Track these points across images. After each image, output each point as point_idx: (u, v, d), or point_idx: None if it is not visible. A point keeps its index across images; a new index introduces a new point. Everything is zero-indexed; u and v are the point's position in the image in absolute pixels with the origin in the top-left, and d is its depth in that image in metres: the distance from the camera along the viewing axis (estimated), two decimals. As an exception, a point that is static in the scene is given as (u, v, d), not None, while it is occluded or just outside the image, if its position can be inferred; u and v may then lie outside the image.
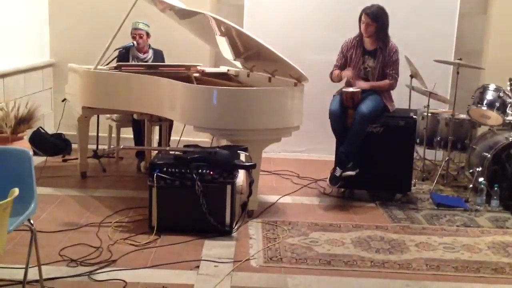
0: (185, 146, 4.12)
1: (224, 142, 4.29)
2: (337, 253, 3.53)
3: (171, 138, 5.23)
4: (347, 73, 4.49)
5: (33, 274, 2.84)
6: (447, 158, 5.05)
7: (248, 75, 4.96)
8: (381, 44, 4.48)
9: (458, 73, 4.91)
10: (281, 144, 4.39)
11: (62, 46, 5.91)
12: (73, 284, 2.97)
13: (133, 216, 3.98)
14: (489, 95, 4.80)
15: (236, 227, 3.81)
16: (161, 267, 3.23)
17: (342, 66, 4.61)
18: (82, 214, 4.01)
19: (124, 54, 5.11)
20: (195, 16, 4.47)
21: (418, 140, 5.09)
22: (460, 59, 4.95)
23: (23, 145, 4.57)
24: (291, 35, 5.73)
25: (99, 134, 5.45)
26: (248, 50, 4.63)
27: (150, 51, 5.20)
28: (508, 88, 4.72)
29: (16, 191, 2.20)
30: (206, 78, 4.93)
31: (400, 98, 4.84)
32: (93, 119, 5.05)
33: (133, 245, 3.50)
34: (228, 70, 5.31)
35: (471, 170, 4.82)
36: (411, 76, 5.20)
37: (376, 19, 4.39)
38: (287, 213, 4.23)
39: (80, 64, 4.85)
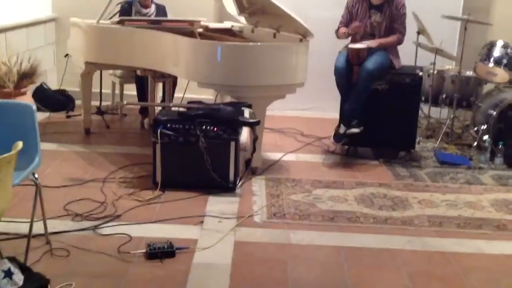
0: (189, 102, 4.10)
1: (228, 99, 4.27)
2: (340, 210, 3.55)
3: (175, 95, 5.20)
4: (354, 27, 4.41)
5: (38, 228, 2.87)
6: (452, 116, 5.02)
7: (252, 31, 4.89)
8: (387, -1, 4.39)
9: (465, 29, 4.83)
10: (285, 102, 4.36)
11: (65, 0, 5.82)
12: (78, 238, 3.01)
13: (137, 172, 3.99)
14: (497, 52, 4.74)
15: (239, 184, 3.82)
16: (165, 222, 3.27)
17: (347, 22, 4.53)
18: (87, 169, 4.03)
19: (127, 9, 5.03)
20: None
21: (423, 98, 5.05)
22: (469, 15, 4.85)
23: (27, 100, 4.54)
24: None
25: (103, 91, 5.43)
26: (253, 5, 4.55)
27: (153, 6, 5.12)
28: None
29: (20, 144, 2.20)
30: (210, 34, 4.87)
31: (406, 55, 4.77)
32: (96, 75, 5.02)
33: (137, 200, 3.53)
34: (232, 25, 5.23)
35: (476, 128, 4.80)
36: (418, 33, 5.12)
37: None
38: (290, 171, 4.24)
39: (82, 19, 4.78)
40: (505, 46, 4.71)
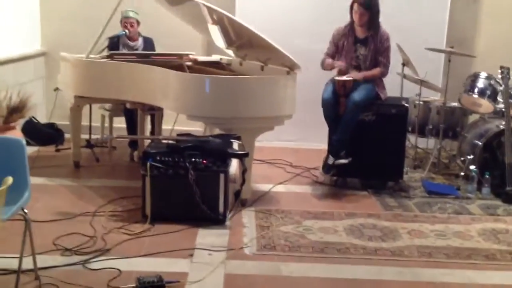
0: (178, 135, 4.12)
1: (217, 131, 4.30)
2: (330, 241, 3.56)
3: (164, 127, 5.22)
4: (340, 63, 4.50)
5: (27, 263, 2.84)
6: (438, 146, 5.09)
7: (240, 64, 4.96)
8: (372, 32, 4.48)
9: (449, 61, 4.93)
10: (274, 133, 4.40)
11: (54, 35, 5.88)
12: (68, 273, 2.98)
13: (126, 205, 3.98)
14: (480, 83, 4.84)
15: (229, 216, 3.83)
16: (155, 255, 3.25)
17: (333, 54, 4.61)
18: (76, 203, 4.01)
19: (115, 42, 5.09)
20: (187, 3, 4.45)
21: (410, 128, 5.12)
22: (452, 47, 4.96)
23: (16, 134, 4.53)
24: (283, 24, 5.72)
25: (92, 124, 5.44)
26: (241, 38, 4.63)
27: (140, 39, 5.19)
28: (499, 76, 4.74)
29: (10, 180, 2.20)
30: (199, 67, 4.93)
31: (392, 86, 4.85)
32: (86, 108, 5.03)
33: (127, 234, 3.51)
34: (220, 58, 5.30)
35: (462, 158, 4.86)
36: (403, 64, 5.22)
37: (369, 8, 4.38)
38: (280, 202, 4.25)
39: (71, 53, 4.82)
40: (489, 78, 4.81)
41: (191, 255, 3.27)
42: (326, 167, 4.45)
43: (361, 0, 4.38)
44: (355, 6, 4.40)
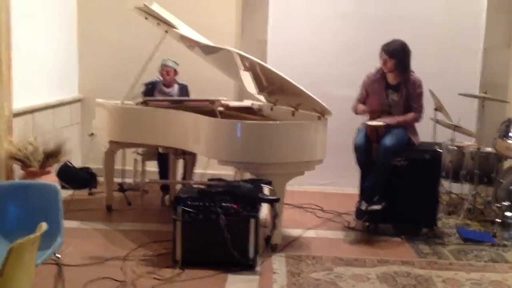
0: (209, 179, 4.15)
1: (247, 176, 4.31)
2: (362, 289, 3.49)
3: (196, 171, 5.27)
4: (373, 109, 4.51)
5: (58, 307, 2.86)
6: (473, 192, 4.99)
7: (271, 109, 5.01)
8: (403, 78, 4.49)
9: (483, 106, 4.88)
10: (304, 177, 4.38)
11: (90, 82, 6.06)
12: (97, 318, 2.98)
13: (157, 249, 3.99)
14: (516, 128, 4.76)
15: (259, 261, 3.79)
16: (185, 301, 3.24)
17: (364, 100, 4.63)
18: (107, 247, 4.04)
19: (150, 89, 5.21)
20: (220, 51, 4.55)
21: (444, 174, 5.04)
22: (485, 92, 4.92)
23: (51, 179, 4.64)
24: (314, 70, 5.79)
25: (125, 167, 5.52)
26: (272, 84, 4.68)
27: (176, 86, 5.30)
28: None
29: (44, 226, 2.24)
30: (230, 112, 4.99)
31: (424, 132, 4.82)
32: (119, 152, 5.13)
33: (157, 279, 3.50)
34: (252, 103, 5.36)
35: (498, 204, 4.75)
36: (436, 109, 5.18)
37: (393, 55, 4.41)
38: (311, 247, 4.20)
39: (107, 99, 4.95)
40: (524, 122, 4.74)
41: (221, 302, 3.24)
42: (359, 213, 4.40)
43: (386, 47, 4.43)
44: (381, 52, 4.45)
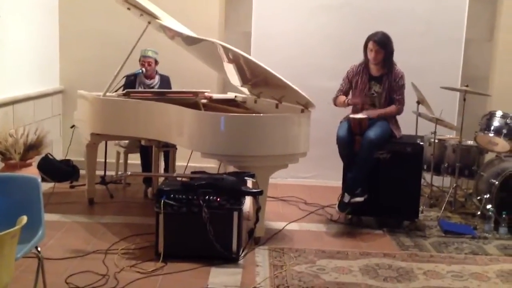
0: (192, 172, 4.14)
1: (231, 168, 4.30)
2: (344, 281, 3.50)
3: (179, 164, 5.24)
4: (355, 101, 4.53)
5: (39, 301, 2.83)
6: (454, 185, 5.03)
7: (255, 101, 5.00)
8: (386, 70, 4.51)
9: (464, 99, 4.93)
10: (288, 170, 4.40)
11: (72, 73, 5.98)
12: (79, 312, 2.97)
13: (140, 242, 3.97)
14: (496, 122, 4.82)
15: (242, 254, 3.79)
16: (167, 294, 3.22)
17: (346, 91, 4.65)
18: (89, 240, 4.01)
19: (132, 80, 5.17)
20: (203, 43, 4.53)
21: (425, 167, 5.08)
22: (467, 86, 4.96)
23: (32, 171, 4.58)
24: (297, 62, 5.78)
25: (107, 160, 5.48)
26: (256, 76, 4.67)
27: (157, 77, 5.26)
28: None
29: (24, 219, 2.21)
30: (214, 105, 4.97)
31: (406, 125, 4.84)
32: (101, 145, 5.08)
33: (139, 272, 3.49)
34: (235, 96, 5.35)
35: (479, 197, 4.80)
36: (418, 103, 5.20)
37: (384, 46, 4.43)
38: (294, 240, 4.22)
39: (89, 91, 4.90)
40: (504, 116, 4.80)
41: (204, 295, 3.24)
42: (342, 205, 4.42)
43: (376, 38, 4.43)
44: (370, 44, 4.44)
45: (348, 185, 4.43)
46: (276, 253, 3.91)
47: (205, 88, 5.14)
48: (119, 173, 5.51)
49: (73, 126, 5.24)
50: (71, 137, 5.31)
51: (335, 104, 4.68)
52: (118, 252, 3.79)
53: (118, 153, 5.54)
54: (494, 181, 4.61)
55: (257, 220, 3.81)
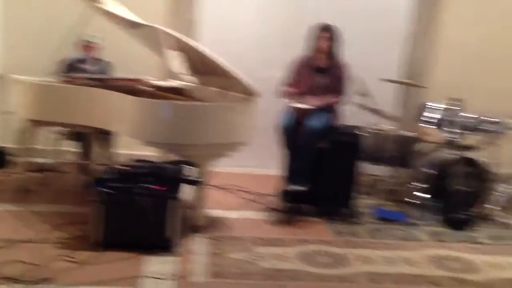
0: (135, 160, 4.07)
1: (172, 157, 4.27)
2: (281, 268, 3.55)
3: (120, 152, 5.15)
4: (308, 106, 4.56)
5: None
6: (391, 174, 5.16)
7: (199, 90, 4.95)
8: (331, 62, 4.57)
9: (406, 91, 5.05)
10: (231, 159, 4.39)
11: (12, 58, 5.72)
12: (8, 302, 2.89)
13: (73, 231, 3.88)
14: (429, 113, 4.96)
15: (180, 243, 3.78)
16: (102, 284, 3.17)
17: (292, 83, 4.67)
18: (20, 230, 3.89)
19: (71, 65, 5.03)
20: (146, 28, 4.45)
21: (364, 156, 5.18)
22: (407, 79, 5.08)
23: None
24: (244, 52, 5.76)
25: (42, 147, 5.32)
26: (200, 64, 4.63)
27: (99, 63, 5.14)
28: (449, 106, 4.87)
29: None
30: (156, 92, 4.89)
31: (349, 116, 4.92)
32: (37, 131, 4.92)
33: (72, 262, 3.42)
34: (179, 84, 5.28)
35: (413, 186, 4.95)
36: (360, 94, 5.30)
37: (335, 35, 4.50)
38: (233, 228, 4.23)
39: (29, 76, 4.73)
40: (438, 108, 4.95)
41: (139, 283, 3.20)
42: (283, 194, 4.46)
43: (327, 27, 4.48)
44: (321, 32, 4.50)
45: (290, 174, 4.48)
46: (214, 241, 3.91)
47: (149, 75, 5.05)
48: (55, 160, 5.34)
49: (7, 112, 5.06)
50: (5, 123, 5.12)
51: (284, 97, 4.70)
52: (51, 241, 3.69)
53: (55, 140, 5.37)
54: (428, 170, 4.75)
55: (197, 208, 3.79)
